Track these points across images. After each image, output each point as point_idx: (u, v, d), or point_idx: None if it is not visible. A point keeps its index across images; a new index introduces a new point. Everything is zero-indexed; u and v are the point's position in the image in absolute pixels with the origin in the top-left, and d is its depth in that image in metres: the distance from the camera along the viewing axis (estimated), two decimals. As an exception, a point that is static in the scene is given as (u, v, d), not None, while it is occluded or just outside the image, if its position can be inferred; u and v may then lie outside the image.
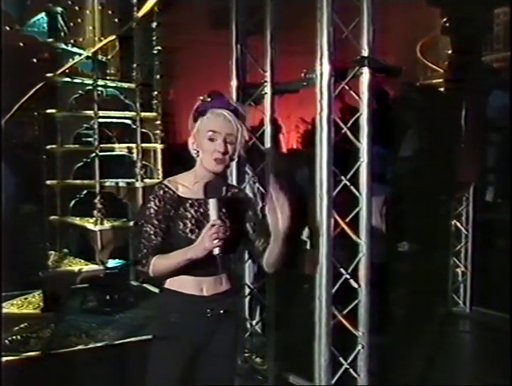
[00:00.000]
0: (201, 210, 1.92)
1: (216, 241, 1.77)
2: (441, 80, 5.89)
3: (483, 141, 4.92)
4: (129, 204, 3.88)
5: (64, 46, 3.97)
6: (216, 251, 1.79)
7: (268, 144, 3.35)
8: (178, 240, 1.90)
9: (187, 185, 1.95)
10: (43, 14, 3.86)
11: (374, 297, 2.83)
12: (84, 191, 3.88)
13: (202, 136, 1.91)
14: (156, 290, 2.64)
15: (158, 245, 1.89)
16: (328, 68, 2.66)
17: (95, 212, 3.65)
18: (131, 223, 3.81)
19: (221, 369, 2.01)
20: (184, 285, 1.93)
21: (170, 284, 1.96)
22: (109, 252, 3.69)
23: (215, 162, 1.89)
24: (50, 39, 3.89)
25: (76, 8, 4.31)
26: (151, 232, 1.90)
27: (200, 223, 1.90)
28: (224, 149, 1.88)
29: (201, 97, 1.94)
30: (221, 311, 1.96)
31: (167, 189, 1.93)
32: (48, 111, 3.83)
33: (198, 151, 1.94)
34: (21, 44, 3.91)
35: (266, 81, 3.31)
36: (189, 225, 1.91)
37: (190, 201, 1.93)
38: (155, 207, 1.90)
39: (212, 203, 1.81)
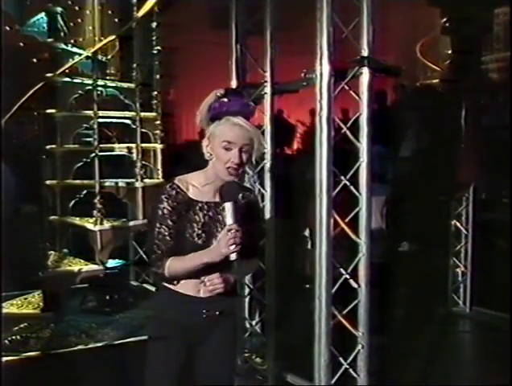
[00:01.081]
0: (210, 213, 1.91)
1: (233, 247, 1.75)
2: (441, 80, 5.89)
3: (483, 141, 4.91)
4: (129, 204, 3.87)
5: (63, 46, 3.97)
6: (234, 256, 1.77)
7: (268, 144, 3.35)
8: (184, 243, 1.89)
9: (197, 186, 1.93)
10: (42, 14, 3.85)
11: (374, 297, 2.83)
12: (84, 191, 3.87)
13: (217, 143, 1.86)
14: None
15: (173, 247, 1.87)
16: (328, 68, 2.66)
17: (95, 212, 3.64)
18: (131, 223, 3.81)
19: (220, 370, 2.01)
20: (182, 285, 1.93)
21: (168, 283, 1.96)
22: (108, 252, 3.68)
23: (228, 171, 1.86)
24: (50, 39, 3.88)
25: (76, 8, 4.30)
26: (166, 233, 1.87)
27: (206, 228, 1.89)
28: (239, 160, 1.84)
29: (218, 93, 1.88)
30: (217, 313, 1.96)
31: (179, 190, 1.90)
32: (48, 111, 3.82)
33: (211, 154, 1.90)
34: (21, 44, 3.91)
35: (265, 81, 3.31)
36: (196, 229, 1.89)
37: (200, 204, 1.91)
38: (169, 208, 1.87)
39: (228, 207, 1.79)
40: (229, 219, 1.78)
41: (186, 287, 1.93)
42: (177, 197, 1.88)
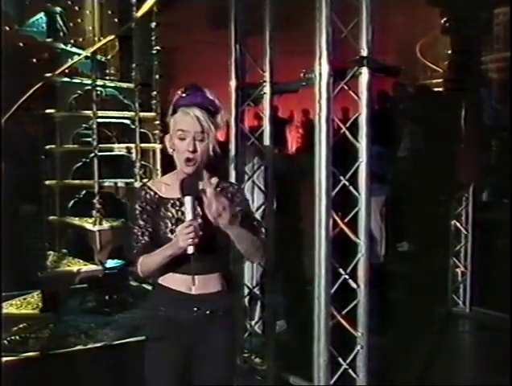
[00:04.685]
0: (183, 209, 1.90)
1: (190, 241, 1.77)
2: (441, 80, 5.89)
3: (483, 141, 4.91)
4: (128, 204, 3.87)
5: (63, 46, 3.97)
6: (191, 250, 1.78)
7: (268, 144, 3.35)
8: (162, 241, 1.92)
9: (169, 184, 1.97)
10: (42, 14, 3.86)
11: (374, 298, 2.82)
12: (83, 191, 3.87)
13: (174, 135, 1.91)
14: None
15: (146, 245, 1.92)
16: (327, 68, 2.65)
17: (94, 212, 3.65)
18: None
19: (216, 371, 2.00)
20: (175, 281, 1.95)
21: (162, 280, 1.98)
22: (107, 253, 3.69)
23: (185, 163, 1.89)
24: (49, 39, 3.89)
25: (76, 8, 4.31)
26: (138, 233, 1.93)
27: (180, 223, 1.89)
28: (193, 147, 1.87)
29: (179, 91, 1.94)
30: (207, 312, 1.96)
31: (148, 190, 1.96)
32: (47, 111, 3.82)
33: (174, 149, 1.94)
34: (21, 44, 3.91)
35: (265, 81, 3.30)
36: (169, 225, 1.93)
37: (172, 201, 1.95)
38: (139, 208, 1.94)
39: (188, 201, 1.80)
40: (188, 213, 1.80)
41: (177, 283, 1.95)
42: (146, 197, 1.95)
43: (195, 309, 1.95)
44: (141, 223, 1.93)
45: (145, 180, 3.88)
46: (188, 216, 1.80)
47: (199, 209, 1.84)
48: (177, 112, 1.91)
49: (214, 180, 1.92)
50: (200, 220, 1.83)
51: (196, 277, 1.89)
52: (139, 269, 1.93)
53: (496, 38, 6.66)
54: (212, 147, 1.91)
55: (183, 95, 1.91)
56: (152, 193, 1.96)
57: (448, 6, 4.89)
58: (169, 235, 1.92)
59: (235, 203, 1.99)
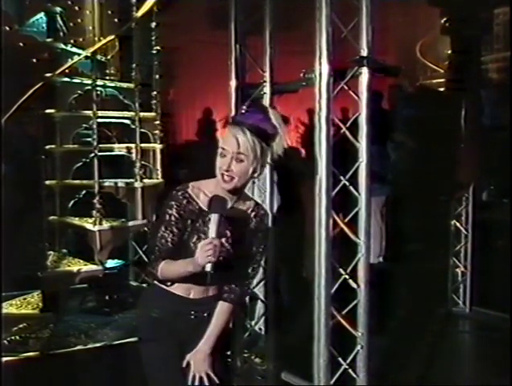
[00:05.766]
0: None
1: (209, 258, 1.74)
2: (441, 80, 5.89)
3: (483, 141, 4.91)
4: (128, 204, 3.87)
5: (63, 46, 3.97)
6: (208, 268, 1.76)
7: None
8: (187, 250, 1.90)
9: (208, 194, 1.92)
10: (42, 14, 3.86)
11: (374, 298, 2.82)
12: (83, 191, 3.87)
13: (218, 151, 1.89)
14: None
15: (172, 251, 1.90)
16: (327, 68, 2.66)
17: (94, 212, 3.64)
18: (130, 224, 3.81)
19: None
20: (174, 285, 1.95)
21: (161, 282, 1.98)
22: (108, 253, 3.69)
23: (222, 178, 1.87)
24: (49, 39, 3.88)
25: (76, 8, 4.31)
26: (169, 239, 1.90)
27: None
28: (227, 166, 1.85)
29: (244, 106, 2.00)
30: (205, 314, 1.97)
31: (190, 199, 1.92)
32: (47, 111, 3.82)
33: None
34: (21, 44, 3.90)
35: (265, 81, 3.31)
36: (203, 239, 1.87)
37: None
38: (177, 215, 1.90)
39: (214, 219, 1.78)
40: (211, 230, 1.78)
41: (177, 287, 1.96)
42: (187, 206, 1.91)
43: (192, 312, 1.97)
44: (175, 230, 1.90)
45: (145, 180, 3.88)
46: (212, 234, 1.77)
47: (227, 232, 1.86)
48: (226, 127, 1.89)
49: (251, 205, 1.97)
50: (223, 240, 1.82)
51: (197, 286, 1.93)
52: (159, 273, 1.90)
53: (496, 38, 6.66)
54: (253, 170, 1.88)
55: (242, 112, 1.91)
56: (194, 203, 1.92)
57: (448, 6, 4.89)
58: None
59: (255, 235, 1.99)
